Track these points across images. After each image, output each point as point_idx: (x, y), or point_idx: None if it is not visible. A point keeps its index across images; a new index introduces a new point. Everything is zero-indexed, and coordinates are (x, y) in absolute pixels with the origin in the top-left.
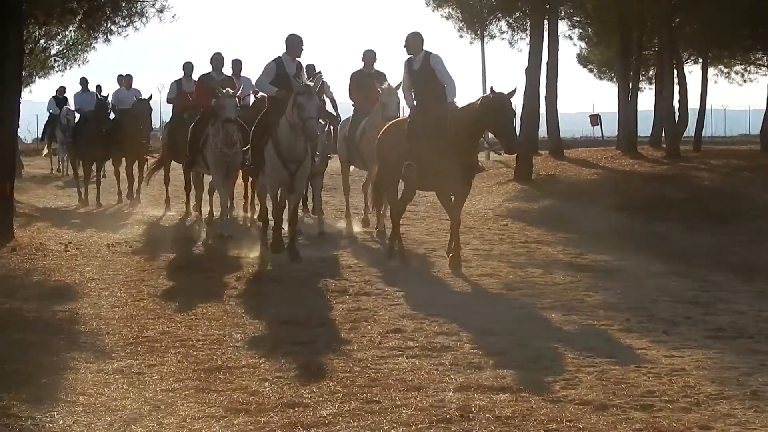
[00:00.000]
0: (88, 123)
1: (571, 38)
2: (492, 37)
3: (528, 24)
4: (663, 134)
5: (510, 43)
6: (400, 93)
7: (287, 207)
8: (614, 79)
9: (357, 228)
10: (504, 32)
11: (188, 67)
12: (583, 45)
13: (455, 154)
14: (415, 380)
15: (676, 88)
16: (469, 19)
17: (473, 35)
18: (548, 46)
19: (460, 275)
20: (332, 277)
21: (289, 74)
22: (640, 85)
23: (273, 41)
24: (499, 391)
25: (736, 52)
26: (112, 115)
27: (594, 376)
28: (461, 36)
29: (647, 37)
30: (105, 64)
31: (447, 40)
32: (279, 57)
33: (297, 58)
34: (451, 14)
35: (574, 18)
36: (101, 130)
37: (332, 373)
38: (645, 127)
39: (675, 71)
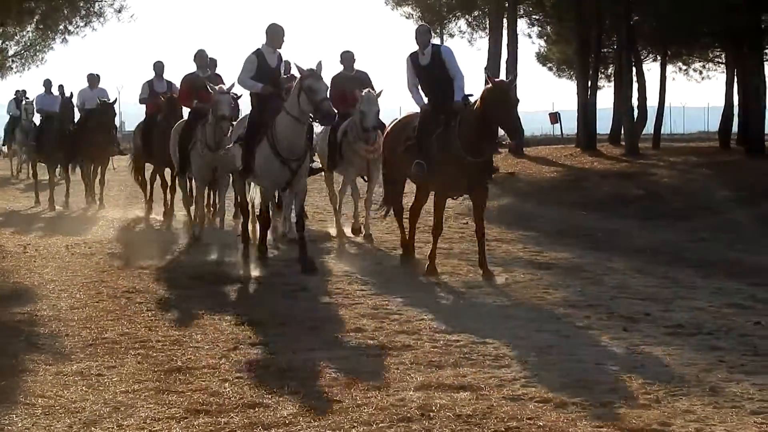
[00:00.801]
0: (52, 124)
1: (530, 36)
2: (451, 35)
3: (487, 23)
4: (622, 132)
5: (469, 41)
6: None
7: (291, 209)
8: (573, 77)
9: (349, 233)
10: (463, 31)
11: (159, 67)
12: (543, 43)
13: (469, 155)
14: (376, 379)
15: (635, 85)
16: (429, 18)
17: (433, 34)
18: (507, 45)
19: (494, 285)
20: (293, 277)
21: (272, 67)
22: (599, 83)
23: (228, 40)
24: (459, 389)
25: (695, 50)
26: (77, 116)
27: (554, 373)
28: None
29: (606, 35)
30: (71, 63)
31: (407, 39)
32: (258, 49)
33: (278, 50)
34: (411, 13)
35: (533, 16)
36: (65, 132)
37: (293, 372)
38: (604, 124)
39: (634, 69)
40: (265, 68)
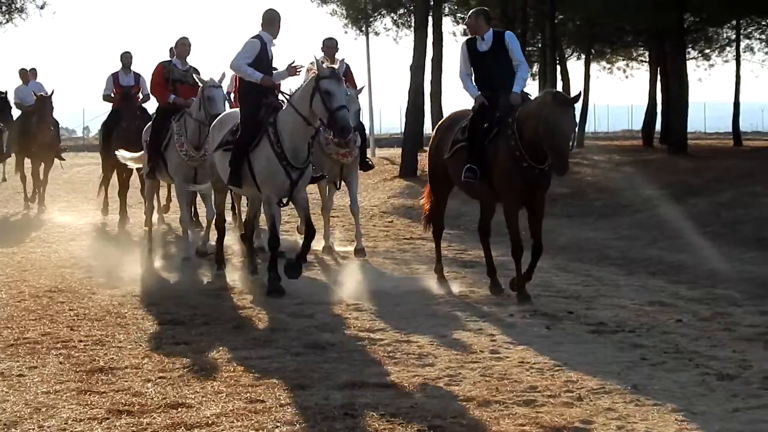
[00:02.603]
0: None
1: (455, 35)
2: (377, 33)
3: (413, 21)
4: None
5: (395, 39)
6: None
7: (300, 222)
8: None
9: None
10: (389, 29)
11: (126, 58)
12: None
13: (530, 159)
14: (300, 379)
15: (560, 84)
16: (354, 16)
17: (358, 31)
18: (433, 43)
19: (529, 303)
20: (216, 275)
21: (269, 57)
22: None
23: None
24: (383, 387)
25: (618, 48)
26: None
27: (477, 372)
28: (346, 32)
29: (530, 33)
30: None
31: (332, 35)
32: (260, 34)
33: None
34: (336, 11)
35: (458, 15)
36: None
37: (216, 372)
38: None
39: (558, 67)
40: (263, 58)
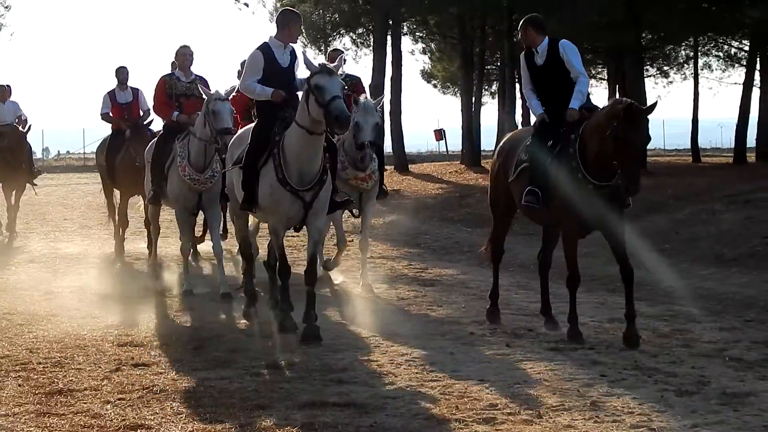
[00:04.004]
0: None
1: (413, 53)
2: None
3: (371, 40)
4: None
5: (354, 59)
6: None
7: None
8: (458, 94)
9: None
10: (348, 48)
11: (122, 73)
12: (427, 60)
13: (594, 179)
14: (260, 399)
15: (519, 102)
16: (313, 36)
17: (317, 50)
18: (392, 62)
19: (580, 342)
20: (176, 296)
21: (283, 66)
22: (483, 100)
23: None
24: (343, 407)
25: None
26: None
27: (437, 390)
28: (305, 51)
29: (489, 51)
30: None
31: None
32: (265, 43)
33: (291, 44)
34: None
35: (417, 34)
36: None
37: (176, 393)
38: (489, 141)
39: (518, 86)
40: (274, 68)
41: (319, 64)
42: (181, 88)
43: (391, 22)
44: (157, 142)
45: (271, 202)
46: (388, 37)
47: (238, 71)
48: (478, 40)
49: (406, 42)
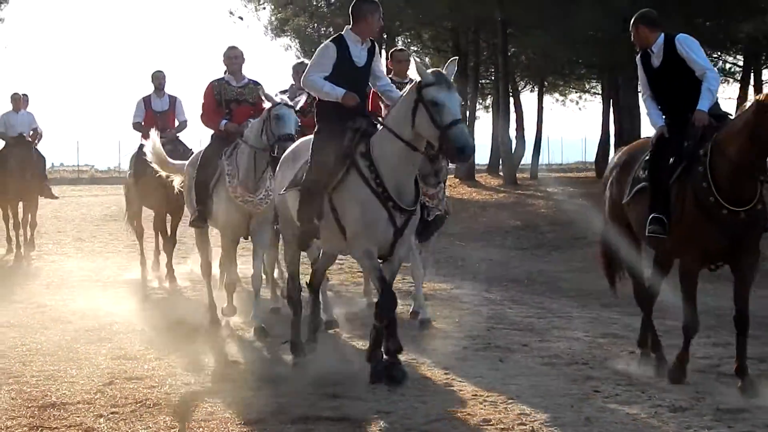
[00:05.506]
0: None
1: None
2: None
3: None
4: (500, 162)
5: None
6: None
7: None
8: None
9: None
10: None
11: (158, 78)
12: None
13: (727, 203)
14: (253, 413)
15: (513, 116)
16: (308, 50)
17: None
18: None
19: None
20: (168, 310)
21: (358, 66)
22: (477, 114)
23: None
24: (337, 421)
25: (571, 81)
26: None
27: (430, 405)
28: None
29: (483, 65)
30: None
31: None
32: (340, 35)
33: (369, 39)
34: (289, 45)
35: (412, 48)
36: None
37: (168, 407)
38: (483, 155)
39: (512, 99)
40: (347, 66)
41: (434, 73)
42: (231, 93)
43: (385, 36)
44: (205, 153)
45: (367, 222)
46: (383, 52)
47: (292, 76)
48: (472, 54)
49: None
